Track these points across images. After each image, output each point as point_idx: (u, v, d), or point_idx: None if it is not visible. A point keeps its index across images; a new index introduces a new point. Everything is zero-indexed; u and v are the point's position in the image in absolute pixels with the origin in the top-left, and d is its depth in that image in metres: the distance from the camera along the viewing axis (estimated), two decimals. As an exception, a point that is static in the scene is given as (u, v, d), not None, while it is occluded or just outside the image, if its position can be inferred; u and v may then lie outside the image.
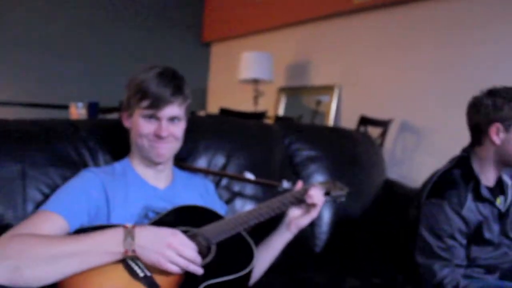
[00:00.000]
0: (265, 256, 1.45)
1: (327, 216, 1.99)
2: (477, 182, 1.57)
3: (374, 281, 1.81)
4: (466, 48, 3.19)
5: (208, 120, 2.19)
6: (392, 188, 2.25)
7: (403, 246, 1.71)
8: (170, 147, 1.36)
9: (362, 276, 1.83)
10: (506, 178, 1.67)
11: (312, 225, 1.93)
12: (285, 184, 1.57)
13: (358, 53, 3.97)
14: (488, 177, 1.60)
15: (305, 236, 1.93)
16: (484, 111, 1.56)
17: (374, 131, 3.45)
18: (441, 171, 1.64)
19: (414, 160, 3.39)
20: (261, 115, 3.45)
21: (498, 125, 1.53)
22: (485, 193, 1.56)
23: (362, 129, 3.38)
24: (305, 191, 1.45)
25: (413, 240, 1.59)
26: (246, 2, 5.11)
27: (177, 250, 1.09)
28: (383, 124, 3.45)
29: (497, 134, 1.54)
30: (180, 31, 5.54)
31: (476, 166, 1.59)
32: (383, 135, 3.45)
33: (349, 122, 3.69)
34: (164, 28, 5.39)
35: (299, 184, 1.50)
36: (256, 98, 4.44)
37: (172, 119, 1.32)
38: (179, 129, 1.36)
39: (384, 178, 2.33)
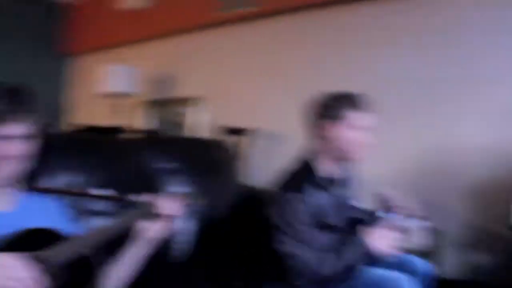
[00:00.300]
0: (120, 273, 1.44)
1: (188, 226, 2.03)
2: (318, 173, 1.76)
3: (236, 285, 1.89)
4: (317, 60, 3.50)
5: (65, 137, 2.12)
6: (250, 193, 2.37)
7: (265, 244, 1.81)
8: (14, 168, 1.29)
9: (225, 281, 1.90)
10: (343, 171, 1.87)
11: (173, 236, 1.96)
12: (140, 198, 1.57)
13: (222, 65, 4.09)
14: (328, 170, 1.79)
15: (167, 247, 1.95)
16: (319, 110, 1.77)
17: (236, 140, 3.58)
18: (288, 170, 1.81)
19: (276, 165, 3.56)
20: (124, 130, 3.39)
21: (331, 122, 1.74)
22: (326, 183, 1.76)
23: (224, 138, 3.49)
24: (158, 203, 1.47)
25: (275, 235, 1.71)
26: (109, 15, 4.99)
27: (7, 275, 1.02)
28: (245, 133, 3.59)
29: (330, 130, 1.74)
30: (38, 45, 5.20)
31: (317, 161, 1.77)
32: (245, 143, 3.59)
33: (213, 133, 3.78)
34: (21, 42, 5.03)
35: (152, 197, 1.51)
36: (120, 113, 4.35)
37: (17, 137, 1.25)
38: (26, 148, 1.29)
39: (244, 184, 2.44)
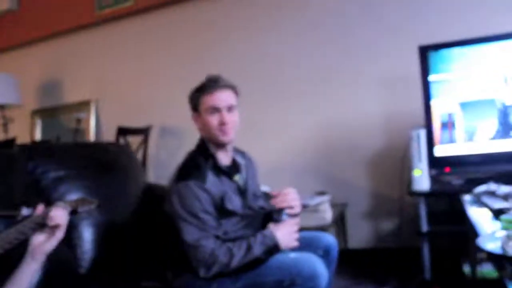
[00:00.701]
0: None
1: (88, 234, 1.91)
2: (214, 160, 1.75)
3: (145, 285, 1.83)
4: (201, 49, 3.51)
5: None
6: (153, 192, 2.29)
7: (168, 240, 1.76)
8: None
9: (133, 283, 1.83)
10: (239, 159, 1.87)
11: (73, 246, 1.84)
12: (25, 211, 1.45)
13: (110, 65, 3.95)
14: (221, 157, 1.78)
15: (68, 260, 1.83)
16: (190, 105, 1.82)
17: (135, 140, 3.47)
18: (185, 160, 1.79)
19: (179, 160, 3.52)
20: (9, 143, 3.15)
21: (196, 113, 1.79)
22: (222, 168, 1.76)
23: (121, 140, 3.37)
24: (46, 214, 1.37)
25: (178, 227, 1.67)
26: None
27: None
28: (143, 132, 3.50)
29: (198, 121, 1.79)
30: None
31: (210, 148, 1.77)
32: (145, 142, 3.49)
33: (110, 135, 3.63)
34: None
35: (39, 208, 1.40)
36: (5, 125, 4.04)
37: None
38: None
39: (145, 184, 2.36)
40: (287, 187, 1.83)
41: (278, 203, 1.78)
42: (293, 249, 1.72)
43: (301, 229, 1.77)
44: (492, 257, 1.23)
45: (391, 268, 2.78)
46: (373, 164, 3.05)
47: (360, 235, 3.10)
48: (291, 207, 1.77)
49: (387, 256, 2.93)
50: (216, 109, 1.74)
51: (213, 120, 1.73)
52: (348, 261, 2.63)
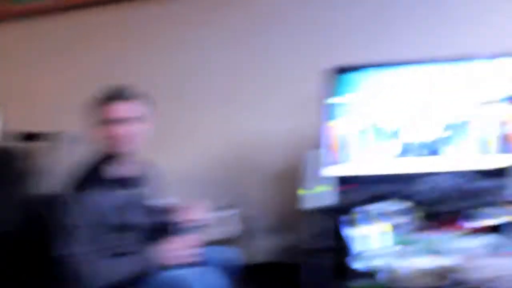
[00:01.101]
0: None
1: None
2: (111, 171, 1.76)
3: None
4: (118, 54, 3.47)
5: None
6: (47, 200, 2.20)
7: (53, 253, 1.71)
8: None
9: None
10: (142, 171, 1.87)
11: None
12: None
13: (19, 66, 3.76)
14: (120, 169, 1.79)
15: None
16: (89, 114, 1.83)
17: (35, 146, 3.33)
18: (79, 169, 1.77)
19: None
20: None
21: (94, 124, 1.79)
22: (120, 180, 1.76)
23: (29, 146, 3.23)
24: None
25: (60, 240, 1.64)
26: None
27: None
28: (52, 138, 3.38)
29: (97, 132, 1.80)
30: None
31: (109, 159, 1.76)
32: (53, 148, 3.37)
33: (7, 140, 3.44)
34: None
35: None
36: None
37: None
38: None
39: (40, 193, 2.26)
40: (194, 200, 1.85)
41: (181, 216, 1.79)
42: (192, 264, 1.73)
43: (205, 243, 1.79)
44: (359, 274, 1.32)
45: (286, 283, 2.84)
46: (275, 180, 3.17)
47: (262, 249, 3.17)
48: (193, 220, 1.79)
49: (284, 270, 2.99)
50: (109, 121, 1.72)
51: (106, 131, 1.72)
52: (250, 275, 2.68)
